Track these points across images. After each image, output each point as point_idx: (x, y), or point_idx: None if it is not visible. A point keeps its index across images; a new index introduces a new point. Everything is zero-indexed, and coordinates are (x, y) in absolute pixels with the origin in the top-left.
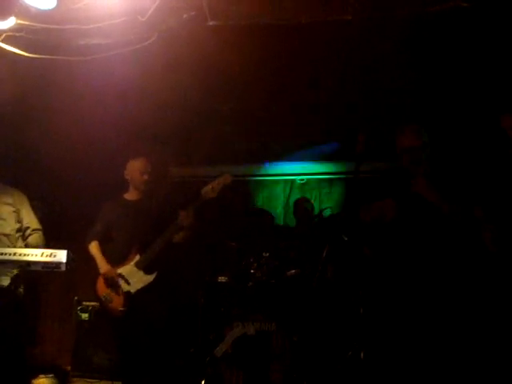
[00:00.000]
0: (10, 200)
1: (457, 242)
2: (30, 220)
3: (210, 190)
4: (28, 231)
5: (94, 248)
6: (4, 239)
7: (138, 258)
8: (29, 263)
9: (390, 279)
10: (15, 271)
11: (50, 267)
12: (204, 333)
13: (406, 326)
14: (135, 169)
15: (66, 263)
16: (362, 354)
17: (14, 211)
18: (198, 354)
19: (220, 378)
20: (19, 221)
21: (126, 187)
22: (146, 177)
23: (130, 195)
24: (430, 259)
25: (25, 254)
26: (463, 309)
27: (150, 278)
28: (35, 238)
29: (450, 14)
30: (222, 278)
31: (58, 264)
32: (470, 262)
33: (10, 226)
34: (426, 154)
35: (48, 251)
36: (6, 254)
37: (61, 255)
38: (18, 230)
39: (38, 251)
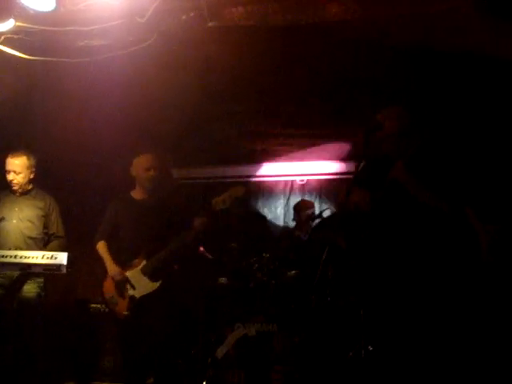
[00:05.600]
0: (41, 205)
1: (438, 235)
2: (56, 227)
3: (221, 201)
4: (51, 237)
5: (101, 248)
6: (30, 242)
7: (144, 263)
8: (30, 265)
9: (373, 275)
10: (17, 273)
11: (51, 269)
12: (205, 334)
13: (401, 325)
14: (141, 165)
15: (67, 266)
16: (362, 353)
17: (44, 216)
18: (200, 356)
19: (221, 380)
20: (46, 226)
21: (132, 185)
22: (151, 173)
23: (137, 194)
24: (409, 254)
25: (26, 257)
26: (456, 305)
27: (155, 285)
28: (54, 244)
29: (450, 14)
30: (222, 280)
31: (59, 266)
32: (455, 255)
33: (38, 230)
34: (410, 139)
35: (49, 253)
36: (7, 256)
37: (61, 257)
38: (45, 235)
39: (39, 253)
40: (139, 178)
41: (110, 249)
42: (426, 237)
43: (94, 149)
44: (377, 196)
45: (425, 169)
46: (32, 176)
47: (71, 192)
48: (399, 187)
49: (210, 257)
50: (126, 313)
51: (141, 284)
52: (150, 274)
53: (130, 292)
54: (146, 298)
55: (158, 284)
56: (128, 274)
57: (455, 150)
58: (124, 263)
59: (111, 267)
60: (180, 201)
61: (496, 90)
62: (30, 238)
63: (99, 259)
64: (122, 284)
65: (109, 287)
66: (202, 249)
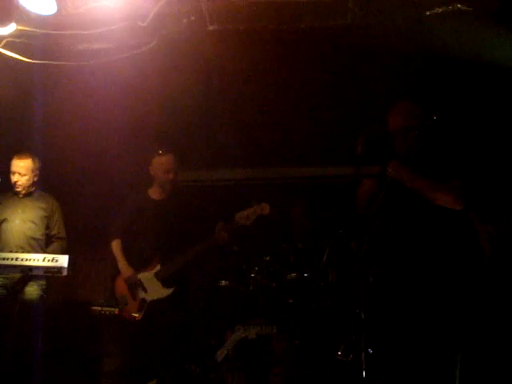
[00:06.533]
0: (44, 205)
1: (439, 231)
2: (57, 228)
3: (244, 216)
4: (52, 239)
5: (116, 248)
6: (33, 243)
7: (158, 267)
8: (31, 268)
9: (381, 277)
10: (17, 276)
11: (52, 272)
12: (205, 337)
13: (404, 327)
14: (161, 166)
15: (68, 268)
16: (362, 356)
17: (46, 217)
18: (200, 358)
19: (221, 382)
20: (48, 227)
21: (149, 183)
22: (171, 176)
23: (155, 193)
24: (410, 252)
25: (27, 259)
26: (458, 304)
27: (167, 291)
28: (55, 246)
29: (449, 17)
30: (222, 282)
31: (60, 269)
32: (457, 253)
33: (41, 231)
34: (420, 133)
35: (50, 256)
36: (8, 258)
37: (62, 260)
38: (46, 236)
39: (40, 256)
40: (158, 179)
41: (123, 246)
42: (427, 233)
43: (95, 151)
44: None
45: (425, 165)
46: (36, 179)
47: (72, 194)
48: (399, 185)
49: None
50: (135, 315)
51: (153, 288)
52: (164, 279)
53: (142, 294)
54: (157, 302)
55: (170, 291)
56: (141, 276)
57: (456, 146)
58: (138, 263)
59: (125, 269)
60: (198, 206)
61: (498, 93)
62: (33, 238)
63: (107, 259)
64: (134, 284)
65: (121, 287)
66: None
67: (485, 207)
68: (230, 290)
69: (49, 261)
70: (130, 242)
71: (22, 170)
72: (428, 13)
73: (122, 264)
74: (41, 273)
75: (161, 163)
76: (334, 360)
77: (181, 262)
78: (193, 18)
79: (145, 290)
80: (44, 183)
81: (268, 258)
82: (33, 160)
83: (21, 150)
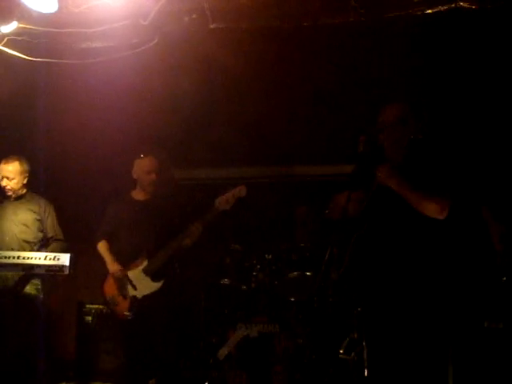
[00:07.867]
0: (36, 208)
1: (428, 234)
2: (54, 230)
3: (224, 201)
4: (50, 241)
5: (102, 247)
6: (25, 246)
7: (145, 263)
8: (32, 266)
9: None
10: (19, 274)
11: (54, 270)
12: (207, 335)
13: (403, 325)
14: (142, 168)
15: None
16: (364, 354)
17: (38, 219)
18: (202, 357)
19: (223, 380)
20: (42, 230)
21: (133, 185)
22: (153, 176)
23: (138, 194)
24: (401, 255)
25: (28, 258)
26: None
27: (157, 285)
28: (54, 246)
29: (450, 15)
30: (224, 280)
31: (61, 267)
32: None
33: (33, 234)
34: (405, 132)
35: (51, 255)
36: (10, 257)
37: (64, 259)
38: (41, 239)
39: (42, 255)
40: (140, 180)
41: (110, 248)
42: (418, 236)
43: (97, 150)
44: (366, 197)
45: (416, 171)
46: (25, 181)
47: (73, 193)
48: (387, 189)
49: None
50: (127, 313)
51: (142, 284)
52: (152, 273)
53: (132, 292)
54: (148, 298)
55: (159, 284)
56: (129, 274)
57: (455, 147)
58: (125, 263)
59: (111, 265)
60: (181, 201)
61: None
62: (26, 241)
63: (100, 259)
64: (122, 283)
65: (109, 288)
66: None
67: (500, 206)
68: (231, 288)
69: (50, 259)
70: (117, 244)
71: (10, 174)
72: (430, 11)
73: (109, 261)
74: (42, 271)
75: (143, 165)
76: (336, 358)
77: (166, 254)
78: (194, 16)
79: (134, 287)
80: (45, 182)
81: (270, 256)
82: (20, 163)
83: (16, 152)
